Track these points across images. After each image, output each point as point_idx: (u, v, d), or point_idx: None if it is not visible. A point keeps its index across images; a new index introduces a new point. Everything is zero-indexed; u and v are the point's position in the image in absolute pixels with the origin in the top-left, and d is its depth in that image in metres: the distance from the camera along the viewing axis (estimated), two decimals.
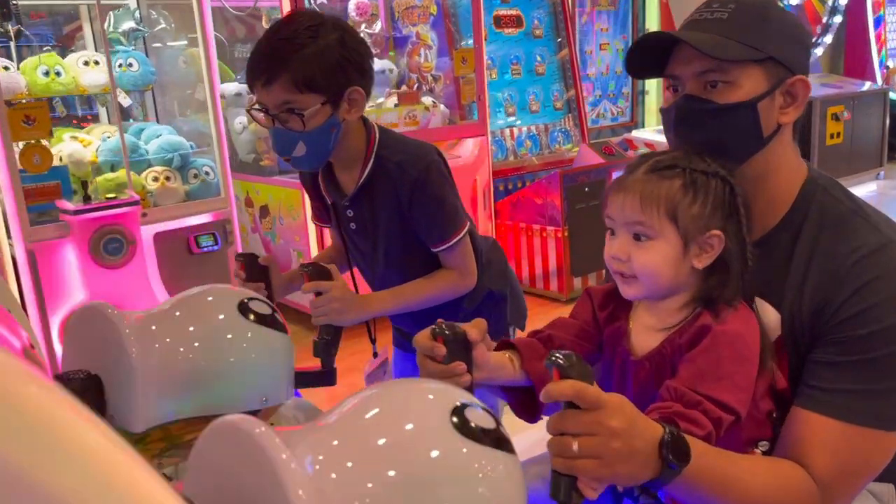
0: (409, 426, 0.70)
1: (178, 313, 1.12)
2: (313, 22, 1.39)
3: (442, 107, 4.20)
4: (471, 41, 4.29)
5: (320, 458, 0.64)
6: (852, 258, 1.01)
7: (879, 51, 7.76)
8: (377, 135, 1.54)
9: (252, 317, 1.15)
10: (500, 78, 5.03)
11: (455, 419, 0.69)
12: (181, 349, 1.08)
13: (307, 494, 0.56)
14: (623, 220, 1.03)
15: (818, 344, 1.03)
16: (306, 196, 3.65)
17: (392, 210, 1.54)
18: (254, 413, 1.15)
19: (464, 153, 4.13)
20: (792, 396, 1.04)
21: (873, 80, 7.65)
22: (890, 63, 7.83)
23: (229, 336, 1.12)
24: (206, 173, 3.45)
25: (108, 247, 3.02)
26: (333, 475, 0.62)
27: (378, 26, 4.46)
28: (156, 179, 3.32)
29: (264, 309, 1.17)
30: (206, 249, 3.35)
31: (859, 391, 0.98)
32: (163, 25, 3.90)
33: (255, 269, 1.53)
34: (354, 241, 1.64)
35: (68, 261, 3.03)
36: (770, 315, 1.07)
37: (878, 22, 7.75)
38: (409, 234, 1.56)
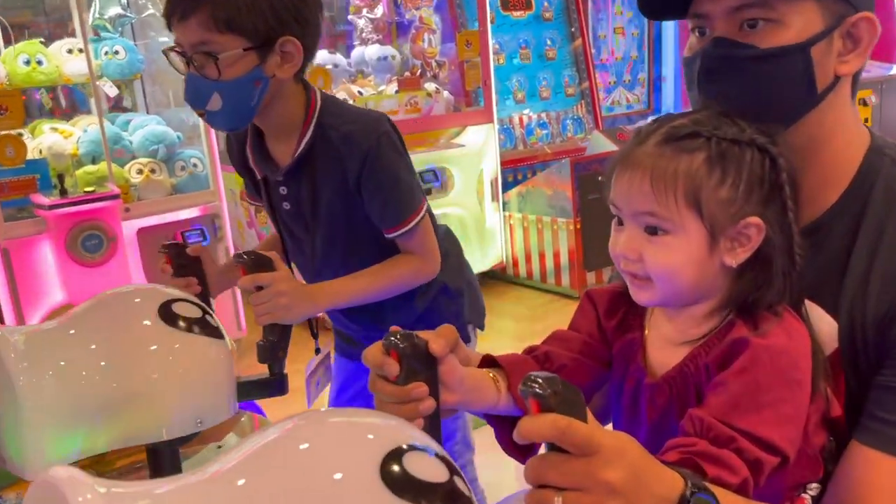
0: (316, 480, 0.51)
1: (81, 325, 0.92)
2: None
3: (446, 93, 3.99)
4: (476, 25, 4.08)
5: None
6: None
7: None
8: (318, 100, 1.32)
9: (178, 322, 0.94)
10: (509, 63, 4.80)
11: (388, 469, 0.51)
12: (84, 372, 0.88)
13: None
14: (631, 208, 0.80)
15: (887, 363, 0.80)
16: None
17: (335, 189, 1.32)
18: (190, 438, 0.96)
19: (469, 141, 3.92)
20: (849, 427, 0.82)
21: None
22: None
23: (149, 349, 0.92)
24: (194, 165, 3.28)
25: (87, 243, 2.84)
26: None
27: (380, 10, 4.27)
28: (140, 172, 3.14)
29: (192, 311, 0.96)
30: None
31: None
32: (151, 11, 3.71)
33: (183, 262, 1.31)
34: (288, 225, 1.42)
35: (45, 259, 2.86)
36: (823, 323, 0.84)
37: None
38: (355, 219, 1.34)
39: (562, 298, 4.11)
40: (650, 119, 0.86)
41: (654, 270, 0.79)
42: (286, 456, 0.54)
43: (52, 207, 2.76)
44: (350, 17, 4.32)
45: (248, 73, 1.20)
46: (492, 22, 4.17)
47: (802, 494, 0.83)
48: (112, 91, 3.54)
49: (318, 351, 1.51)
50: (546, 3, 4.95)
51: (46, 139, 3.12)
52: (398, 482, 0.51)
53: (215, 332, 0.99)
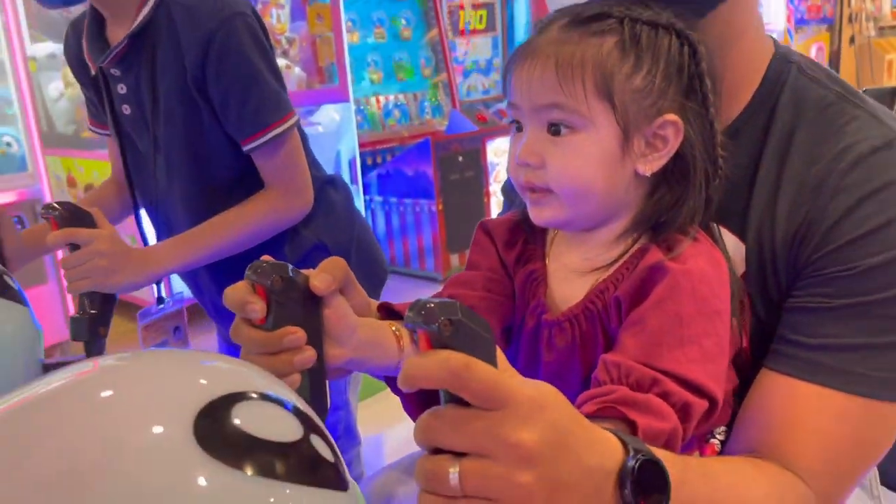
0: (109, 434, 0.37)
1: None
2: None
3: (297, 69, 3.76)
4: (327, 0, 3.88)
5: None
6: (846, 159, 0.70)
7: None
8: None
9: None
10: (363, 41, 4.63)
11: (203, 426, 0.37)
12: None
13: None
14: (533, 102, 0.68)
15: (799, 283, 0.71)
16: None
17: (173, 84, 1.09)
18: None
19: (324, 120, 3.72)
20: (757, 357, 0.73)
21: None
22: None
23: None
24: (8, 144, 2.89)
25: None
26: None
27: None
28: None
29: None
30: None
31: (862, 347, 0.68)
32: None
33: None
34: (131, 138, 1.17)
35: None
36: (730, 245, 0.75)
37: None
38: (196, 127, 1.11)
39: (426, 282, 4.01)
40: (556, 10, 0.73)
41: (557, 178, 0.67)
42: (68, 402, 0.39)
43: None
44: None
45: None
46: None
47: (711, 440, 0.73)
48: None
49: (160, 300, 1.26)
50: None
51: None
52: (218, 438, 0.36)
53: (13, 296, 0.77)
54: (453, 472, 0.46)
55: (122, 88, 1.13)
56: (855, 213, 0.68)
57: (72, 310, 2.84)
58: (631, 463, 0.51)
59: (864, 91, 2.16)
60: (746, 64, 0.77)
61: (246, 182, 1.15)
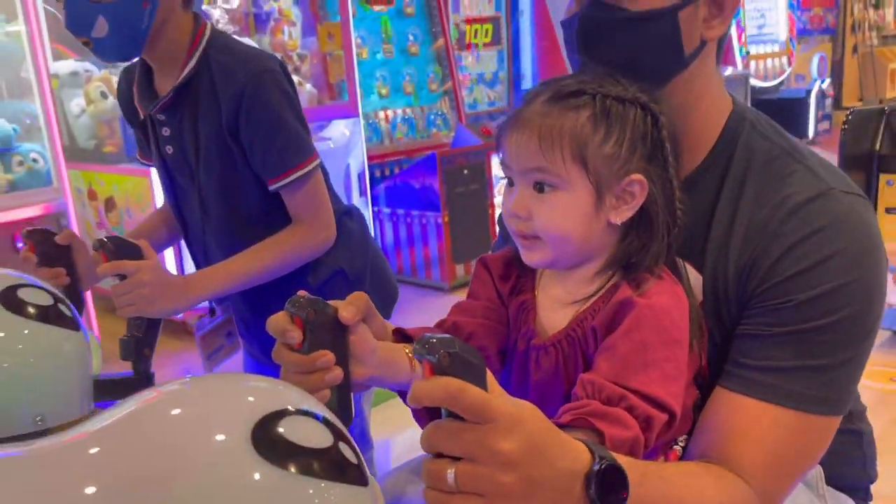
0: (179, 444, 0.48)
1: None
2: None
3: (308, 86, 3.90)
4: (338, 18, 4.02)
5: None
6: (785, 208, 0.82)
7: (739, 38, 8.07)
8: (207, 31, 1.24)
9: (25, 310, 0.84)
10: (372, 57, 4.76)
11: (260, 434, 0.48)
12: None
13: None
14: (521, 166, 0.81)
15: (748, 313, 0.83)
16: (156, 184, 3.26)
17: (212, 131, 1.22)
18: (29, 437, 0.85)
19: (335, 135, 3.85)
20: (713, 376, 0.85)
21: (734, 65, 7.94)
22: (750, 50, 8.16)
23: None
24: (34, 160, 3.01)
25: None
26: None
27: (236, 1, 4.11)
28: None
29: (41, 298, 0.86)
30: None
31: (799, 368, 0.80)
32: None
33: (49, 251, 1.19)
34: (173, 175, 1.30)
35: None
36: (691, 277, 0.88)
37: (737, 11, 8.07)
38: (232, 170, 1.24)
39: (434, 292, 4.12)
40: (540, 83, 0.86)
41: (543, 228, 0.80)
42: (143, 421, 0.50)
43: None
44: (204, 6, 4.13)
45: None
46: (353, 15, 4.12)
47: (675, 447, 0.85)
48: None
49: (212, 312, 1.39)
50: None
51: None
52: (269, 446, 0.47)
53: (69, 323, 0.89)
54: (450, 473, 0.59)
55: (166, 132, 1.27)
56: (791, 254, 0.80)
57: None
58: (596, 467, 0.63)
59: (851, 114, 2.26)
60: (705, 122, 0.90)
61: (273, 215, 1.27)
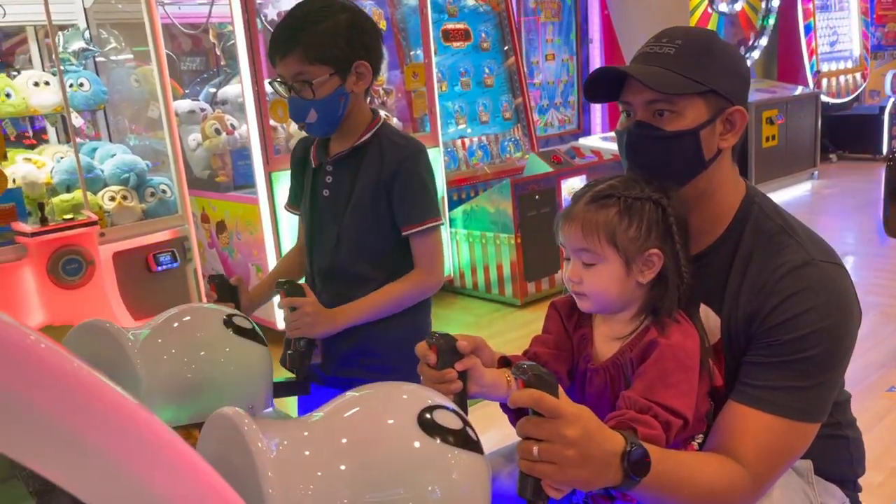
0: (376, 422, 0.79)
1: (172, 327, 1.19)
2: (325, 3, 1.55)
3: (395, 120, 4.28)
4: (420, 52, 4.38)
5: (285, 443, 0.74)
6: (779, 273, 1.11)
7: (811, 56, 8.12)
8: (382, 120, 1.66)
9: (237, 331, 1.22)
10: (451, 90, 5.13)
11: (423, 419, 0.78)
12: (185, 359, 1.15)
13: (276, 475, 0.67)
14: (572, 247, 1.13)
15: (751, 347, 1.13)
16: (263, 210, 3.67)
17: (369, 183, 1.60)
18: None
19: None
20: (727, 393, 1.15)
21: (805, 84, 7.99)
22: (821, 67, 8.19)
23: (219, 348, 1.20)
24: (163, 191, 3.46)
25: (67, 268, 3.02)
26: (293, 461, 0.72)
27: None
28: (112, 199, 3.32)
29: (246, 323, 1.24)
30: (165, 267, 3.36)
31: (786, 388, 1.08)
32: (113, 45, 3.90)
33: (225, 290, 1.60)
34: (320, 211, 1.68)
35: (26, 283, 3.02)
36: (712, 320, 1.18)
37: (809, 29, 8.12)
38: (376, 213, 1.61)
39: (505, 307, 4.42)
40: (583, 184, 1.18)
41: (589, 290, 1.13)
42: (359, 406, 0.82)
43: (34, 234, 2.93)
44: None
45: (334, 91, 1.54)
46: (434, 52, 4.48)
47: (692, 443, 1.15)
48: (78, 121, 3.71)
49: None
50: (484, 34, 5.31)
51: (20, 169, 3.28)
52: (428, 426, 0.79)
53: (262, 340, 1.26)
54: (535, 449, 0.92)
55: (328, 178, 1.66)
56: (781, 306, 1.10)
57: None
58: (628, 448, 0.95)
59: None
60: (722, 206, 1.20)
61: (390, 256, 1.64)
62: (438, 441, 0.78)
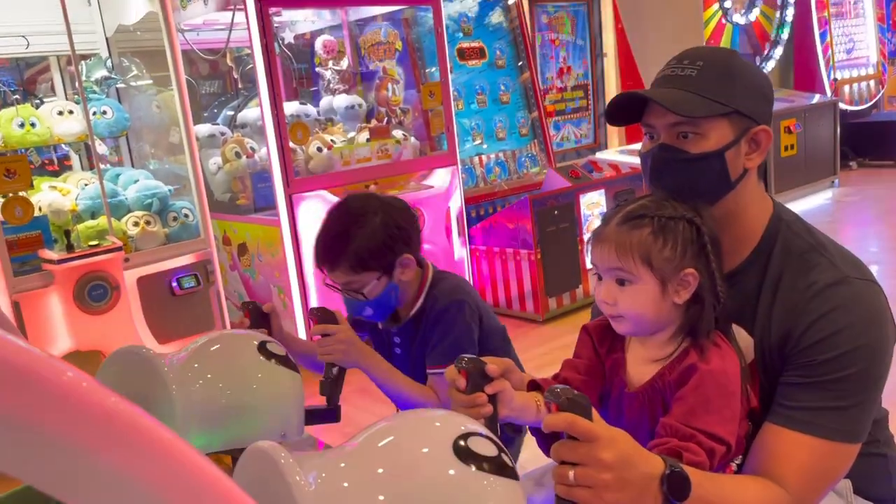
0: (412, 451, 0.80)
1: (207, 353, 1.20)
2: (359, 211, 1.61)
3: (412, 139, 4.31)
4: (436, 71, 4.41)
5: (323, 475, 0.74)
6: (811, 292, 1.10)
7: (827, 64, 8.08)
8: (430, 275, 1.72)
9: (270, 357, 1.23)
10: (467, 108, 5.15)
11: (458, 446, 0.78)
12: (220, 385, 1.16)
13: None
14: (605, 267, 1.12)
15: (787, 368, 1.11)
16: (285, 231, 3.68)
17: (424, 350, 1.68)
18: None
19: (436, 182, 4.23)
20: (762, 414, 1.13)
21: (823, 92, 7.95)
22: (838, 75, 8.15)
23: (253, 374, 1.21)
24: (186, 215, 3.50)
25: (93, 293, 3.06)
26: (331, 493, 0.73)
27: (345, 63, 4.57)
28: (136, 224, 3.36)
29: (279, 350, 1.25)
30: (188, 290, 3.39)
31: (824, 408, 1.06)
32: (135, 73, 3.96)
33: (258, 317, 1.62)
34: (392, 360, 1.72)
35: (53, 309, 3.05)
36: (744, 340, 1.17)
37: (824, 37, 8.09)
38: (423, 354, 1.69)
39: (527, 323, 4.40)
40: (615, 206, 1.17)
41: (624, 310, 1.11)
42: (394, 436, 0.82)
43: (60, 262, 2.97)
44: (317, 68, 4.61)
45: (385, 288, 1.61)
46: (450, 71, 4.50)
47: (731, 464, 1.13)
48: (102, 149, 3.77)
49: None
50: (499, 52, 5.34)
51: (45, 197, 3.33)
52: (463, 453, 0.78)
53: (294, 367, 1.27)
54: (571, 473, 0.91)
55: (397, 340, 1.75)
56: (814, 326, 1.08)
57: None
58: (667, 472, 0.93)
59: None
60: (751, 225, 1.19)
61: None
62: (473, 468, 0.78)
